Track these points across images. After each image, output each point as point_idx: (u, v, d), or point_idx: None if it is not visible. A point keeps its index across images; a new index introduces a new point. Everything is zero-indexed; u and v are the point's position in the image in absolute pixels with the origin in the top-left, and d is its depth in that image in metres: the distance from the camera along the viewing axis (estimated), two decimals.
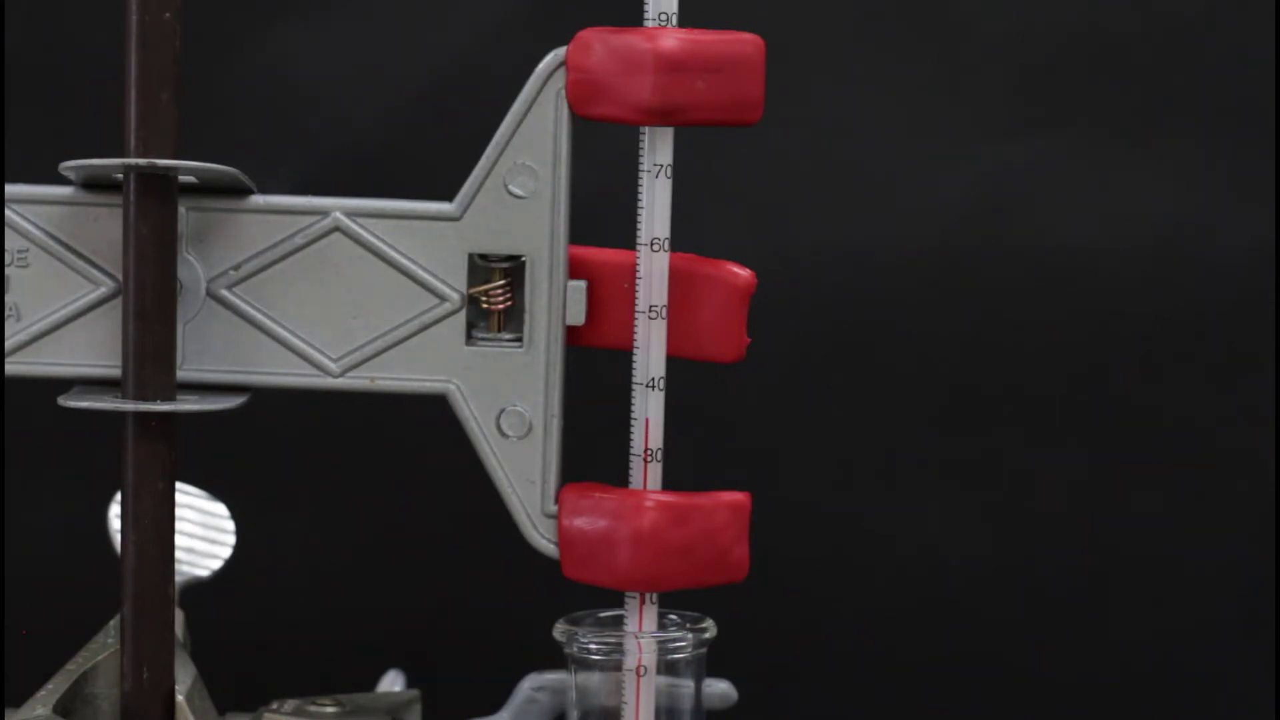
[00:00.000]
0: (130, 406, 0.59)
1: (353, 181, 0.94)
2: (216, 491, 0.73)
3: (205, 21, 0.89)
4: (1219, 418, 0.98)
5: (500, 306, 0.61)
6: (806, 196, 0.98)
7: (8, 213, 0.61)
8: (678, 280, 0.61)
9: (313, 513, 0.99)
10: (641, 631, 0.62)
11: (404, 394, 0.62)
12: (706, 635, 0.63)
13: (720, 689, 0.67)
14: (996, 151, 0.97)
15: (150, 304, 0.59)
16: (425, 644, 0.97)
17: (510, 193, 0.61)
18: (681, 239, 0.61)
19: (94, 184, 0.61)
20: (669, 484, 0.61)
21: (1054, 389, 0.98)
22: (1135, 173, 0.97)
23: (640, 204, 0.60)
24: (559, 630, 0.63)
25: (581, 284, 0.61)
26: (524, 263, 0.61)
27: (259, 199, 0.62)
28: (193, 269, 0.62)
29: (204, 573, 0.71)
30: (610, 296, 0.62)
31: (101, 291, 0.61)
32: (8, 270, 0.61)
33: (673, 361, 0.61)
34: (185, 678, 0.62)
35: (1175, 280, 0.97)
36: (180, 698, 0.61)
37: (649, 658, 0.61)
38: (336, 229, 0.62)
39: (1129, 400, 0.98)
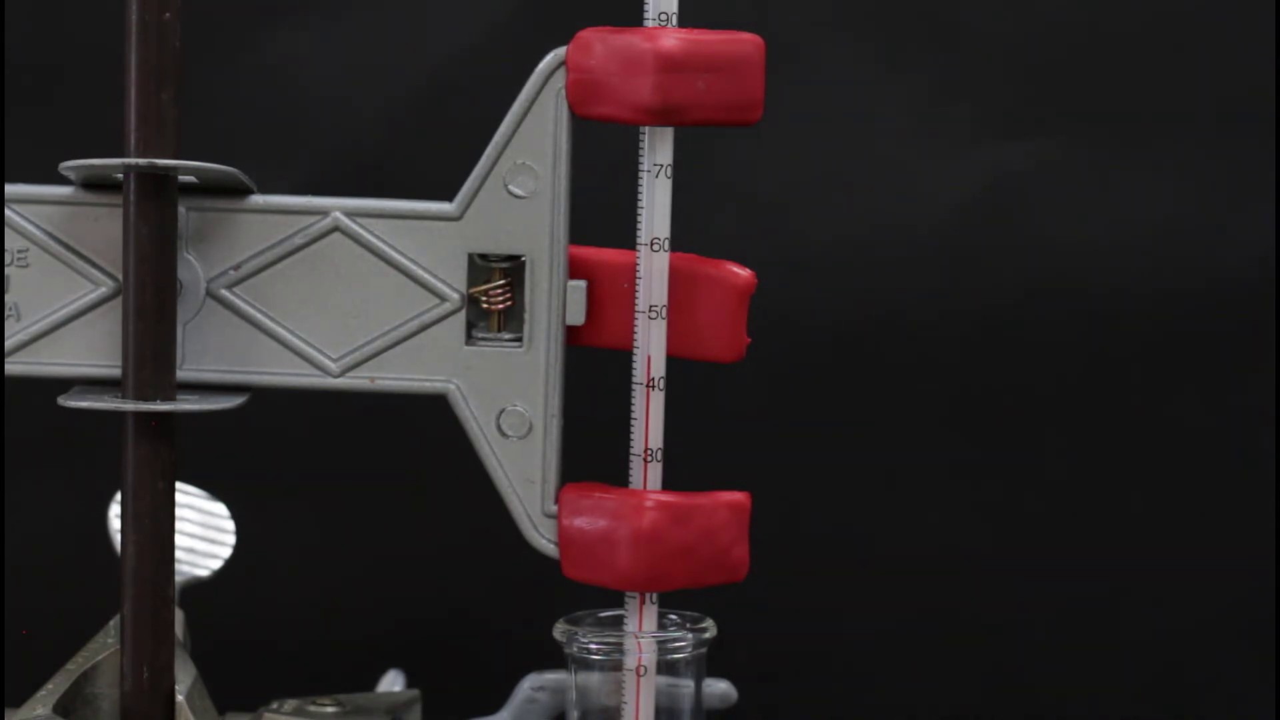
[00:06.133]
0: (130, 406, 0.59)
1: (353, 181, 0.94)
2: (216, 491, 0.73)
3: (205, 21, 0.89)
4: (1219, 418, 0.98)
5: (500, 306, 0.61)
6: (806, 196, 0.98)
7: (8, 213, 0.61)
8: (678, 280, 0.61)
9: (313, 513, 0.99)
10: (641, 631, 0.62)
11: (404, 394, 0.62)
12: (706, 635, 0.63)
13: (720, 689, 0.67)
14: (997, 152, 0.97)
15: (150, 304, 0.59)
16: (425, 644, 0.97)
17: (510, 193, 0.61)
18: (681, 239, 0.61)
19: (94, 184, 0.61)
20: (669, 484, 0.61)
21: (1054, 389, 0.98)
22: (1135, 173, 0.97)
23: (640, 204, 0.60)
24: (559, 630, 0.63)
25: (581, 284, 0.61)
26: (524, 263, 0.61)
27: (259, 199, 0.62)
28: (193, 269, 0.62)
29: (204, 573, 0.71)
30: (610, 296, 0.62)
31: (101, 291, 0.61)
32: (8, 270, 0.61)
33: (673, 361, 0.61)
34: (185, 678, 0.62)
35: (1175, 280, 0.97)
36: (180, 698, 0.61)
37: (649, 658, 0.61)
38: (336, 229, 0.62)
39: (1129, 400, 0.98)
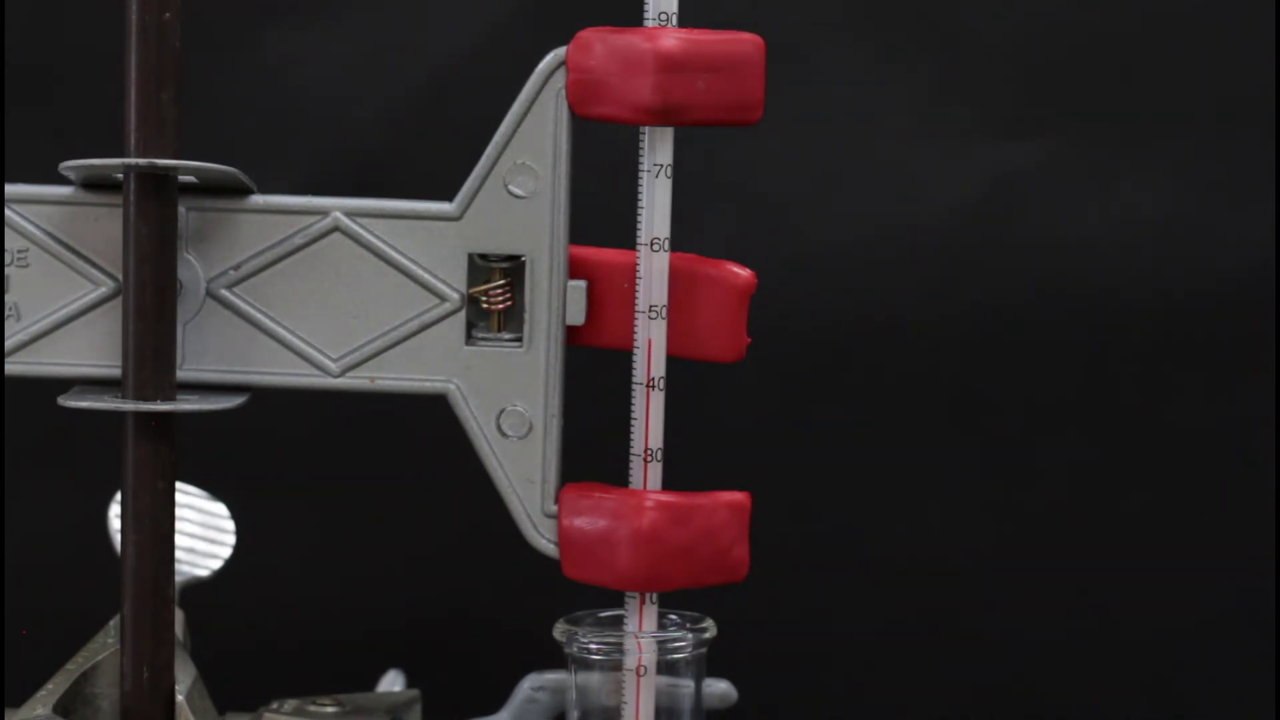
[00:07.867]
0: (130, 406, 0.59)
1: (353, 181, 0.94)
2: (216, 491, 0.73)
3: (205, 21, 0.89)
4: (1219, 418, 0.98)
5: (500, 306, 0.62)
6: (806, 196, 0.98)
7: (8, 213, 0.61)
8: (678, 280, 0.61)
9: (313, 513, 0.99)
10: (641, 631, 0.62)
11: (404, 394, 0.62)
12: (706, 635, 0.63)
13: (720, 689, 0.67)
14: (997, 152, 0.97)
15: (150, 304, 0.59)
16: (425, 644, 0.97)
17: (510, 193, 0.61)
18: (681, 239, 0.61)
19: (94, 184, 0.61)
20: (669, 484, 0.61)
21: (1054, 388, 0.98)
22: (1135, 173, 0.97)
23: (640, 204, 0.60)
24: (559, 630, 0.63)
25: (581, 284, 0.61)
26: (524, 263, 0.61)
27: (259, 199, 0.62)
28: (193, 269, 0.62)
29: (204, 573, 0.71)
30: (610, 296, 0.62)
31: (101, 291, 0.61)
32: (8, 270, 0.61)
33: (673, 361, 0.61)
34: (185, 678, 0.62)
35: (1175, 280, 0.97)
36: (180, 698, 0.61)
37: (649, 658, 0.61)
38: (336, 229, 0.62)
39: (1129, 400, 0.98)
